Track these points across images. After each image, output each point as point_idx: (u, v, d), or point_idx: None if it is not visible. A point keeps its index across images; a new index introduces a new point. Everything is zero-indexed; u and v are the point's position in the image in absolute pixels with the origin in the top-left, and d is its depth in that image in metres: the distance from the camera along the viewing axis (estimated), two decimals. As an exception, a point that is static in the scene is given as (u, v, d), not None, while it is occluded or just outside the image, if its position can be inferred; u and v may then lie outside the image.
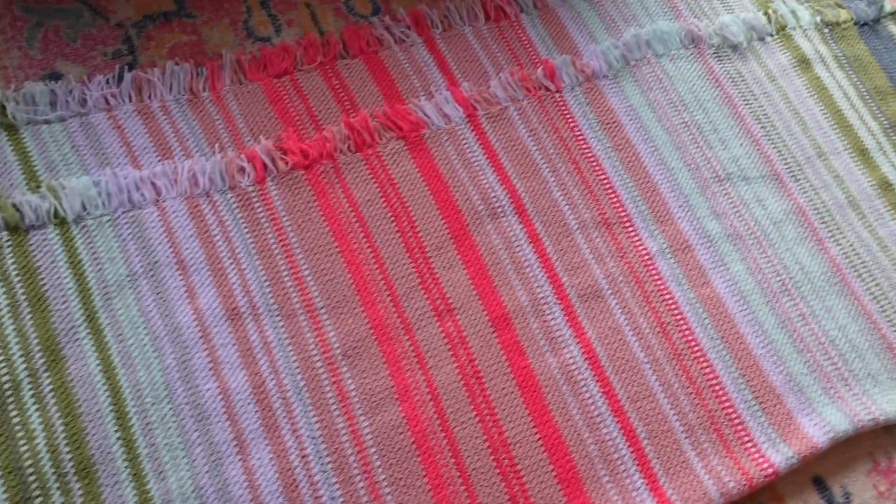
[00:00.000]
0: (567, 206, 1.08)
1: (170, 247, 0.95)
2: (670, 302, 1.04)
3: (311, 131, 1.06)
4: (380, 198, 1.03)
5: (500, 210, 1.06)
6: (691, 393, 0.99)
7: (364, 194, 1.03)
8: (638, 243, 1.08)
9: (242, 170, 1.00)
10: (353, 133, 1.05)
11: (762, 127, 1.23)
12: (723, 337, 1.03)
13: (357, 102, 1.09)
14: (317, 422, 0.90)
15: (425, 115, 1.10)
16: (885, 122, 1.29)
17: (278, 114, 1.06)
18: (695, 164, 1.16)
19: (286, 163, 1.02)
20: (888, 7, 1.43)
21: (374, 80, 1.11)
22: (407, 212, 1.03)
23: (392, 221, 1.02)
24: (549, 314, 1.00)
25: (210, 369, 0.89)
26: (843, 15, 1.39)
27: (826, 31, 1.37)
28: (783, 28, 1.34)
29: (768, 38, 1.33)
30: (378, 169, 1.05)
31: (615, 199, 1.10)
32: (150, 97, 1.04)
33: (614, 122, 1.17)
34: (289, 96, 1.08)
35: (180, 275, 0.94)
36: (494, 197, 1.06)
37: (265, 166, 1.01)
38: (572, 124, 1.15)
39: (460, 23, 1.20)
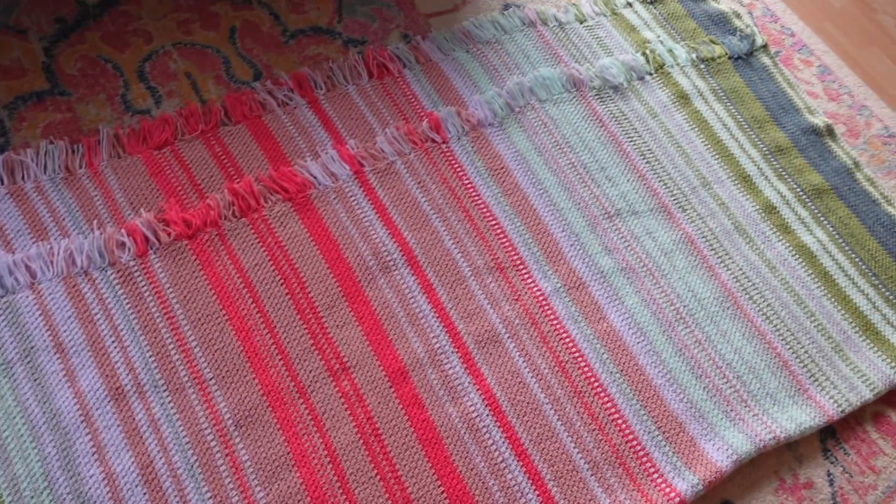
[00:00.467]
0: (459, 254, 1.08)
1: (47, 330, 0.91)
2: (567, 340, 1.05)
3: (195, 200, 1.04)
4: (268, 261, 1.02)
5: (391, 264, 1.05)
6: (594, 429, 0.99)
7: (251, 259, 1.01)
8: (532, 285, 1.08)
9: (123, 245, 0.98)
10: (237, 199, 1.04)
11: (647, 162, 1.26)
12: (622, 370, 1.04)
13: (241, 168, 1.09)
14: (210, 497, 0.86)
15: (311, 175, 1.10)
16: (765, 149, 1.34)
17: (160, 185, 1.05)
18: (584, 203, 1.18)
19: (169, 234, 1.00)
20: (759, 41, 1.50)
21: (258, 145, 1.11)
22: (296, 273, 1.02)
23: (281, 284, 1.00)
24: (446, 363, 1.00)
25: (93, 454, 0.86)
26: (718, 50, 1.46)
27: (702, 66, 1.43)
28: (661, 67, 1.40)
29: (647, 77, 1.38)
30: (265, 233, 1.04)
31: (507, 244, 1.11)
32: (23, 178, 1.02)
33: (502, 168, 1.19)
34: (170, 167, 1.06)
35: (59, 358, 0.90)
36: (386, 251, 1.06)
37: (146, 239, 0.99)
38: (460, 173, 1.16)
39: (344, 82, 1.21)
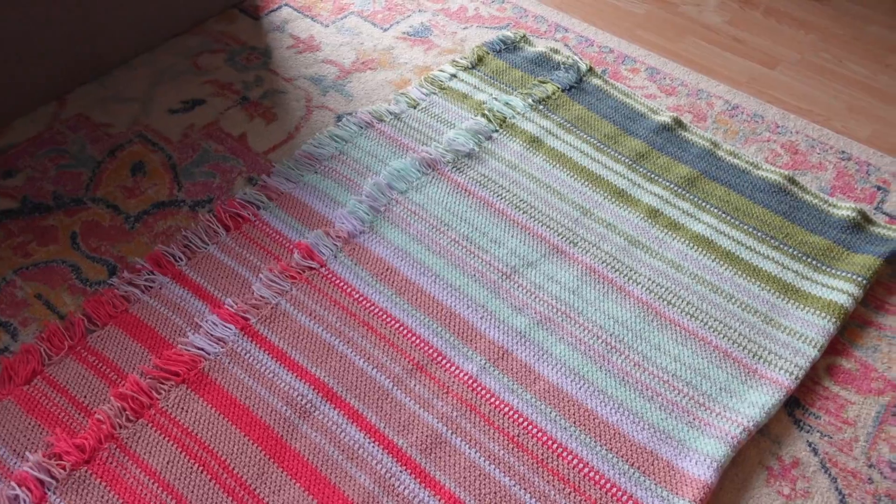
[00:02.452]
0: (374, 370, 1.03)
1: None
2: (512, 413, 1.00)
3: (83, 421, 0.96)
4: (180, 454, 0.94)
5: (309, 406, 0.99)
6: (570, 492, 0.93)
7: (162, 459, 0.93)
8: (457, 372, 1.04)
9: (16, 497, 0.89)
10: (127, 402, 0.97)
11: (524, 212, 1.26)
12: (575, 422, 1.00)
13: (123, 369, 1.02)
14: None
15: (198, 348, 1.04)
16: (627, 160, 1.36)
17: (40, 420, 0.96)
18: (478, 273, 1.16)
19: (64, 467, 0.91)
20: (584, 66, 1.54)
21: (133, 340, 1.05)
22: (214, 454, 0.94)
23: (202, 472, 0.93)
24: (400, 486, 0.93)
25: None
26: (550, 88, 1.49)
27: (542, 107, 1.45)
28: (504, 121, 1.42)
29: (495, 135, 1.39)
30: (168, 425, 0.96)
31: (418, 342, 1.07)
32: None
33: (387, 269, 1.15)
34: (46, 396, 0.98)
35: None
36: (299, 396, 1.00)
37: (42, 482, 0.90)
38: (349, 290, 1.12)
39: (203, 245, 1.17)
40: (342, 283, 1.13)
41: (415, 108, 1.44)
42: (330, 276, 1.14)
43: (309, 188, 1.28)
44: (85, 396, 0.99)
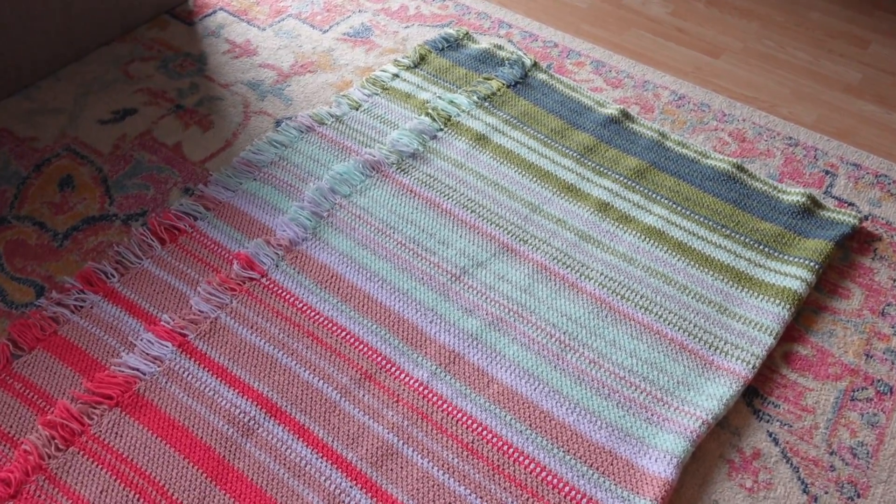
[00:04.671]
0: (321, 381, 0.99)
1: None
2: (465, 419, 0.96)
3: (10, 452, 0.90)
4: (114, 482, 0.88)
5: (252, 423, 0.94)
6: (528, 498, 0.90)
7: (95, 488, 0.88)
8: (407, 379, 1.00)
9: (-65, 540, 0.83)
10: (56, 430, 0.91)
11: (472, 211, 1.22)
12: (530, 425, 0.96)
13: (52, 395, 0.96)
14: None
15: (133, 369, 0.98)
16: (575, 154, 1.34)
17: (-39, 454, 0.90)
18: (426, 276, 1.12)
19: (-13, 504, 0.85)
20: (528, 62, 1.52)
21: (63, 363, 0.99)
22: (151, 480, 0.89)
23: (138, 499, 0.87)
24: (350, 502, 0.89)
25: None
26: (495, 85, 1.46)
27: (487, 104, 1.42)
28: (449, 119, 1.38)
29: (440, 134, 1.35)
30: (100, 452, 0.91)
31: (366, 349, 1.03)
32: None
33: (332, 276, 1.11)
34: (-33, 428, 0.92)
35: None
36: (241, 413, 0.95)
37: (-37, 521, 0.84)
38: (292, 300, 1.08)
39: (137, 260, 1.11)
40: (285, 293, 1.08)
41: (357, 109, 1.40)
42: (272, 286, 1.09)
43: (248, 196, 1.23)
44: (10, 426, 0.93)
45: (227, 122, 1.36)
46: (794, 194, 1.28)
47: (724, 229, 1.23)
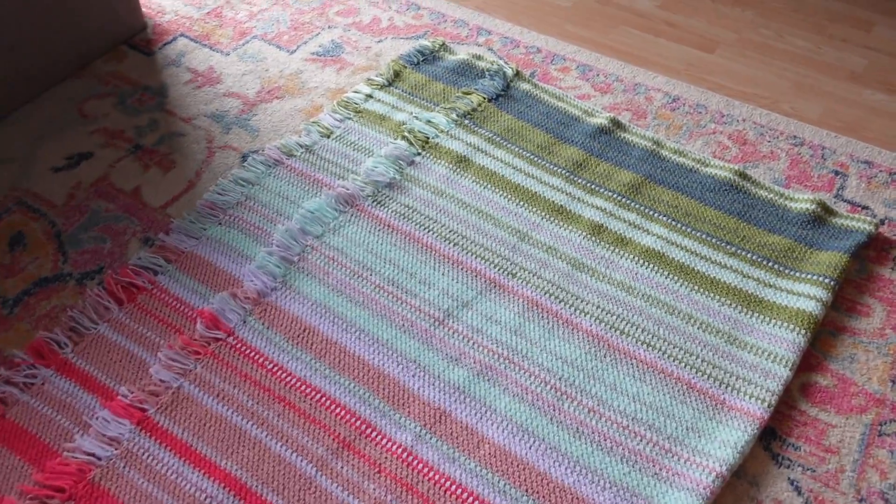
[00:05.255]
0: (294, 454, 0.90)
1: None
2: (454, 488, 0.87)
3: (-46, 559, 0.82)
4: (69, 588, 0.80)
5: (220, 508, 0.86)
6: (528, 578, 0.81)
7: None
8: (390, 445, 0.91)
9: None
10: (3, 531, 0.83)
11: (455, 244, 1.13)
12: (526, 489, 0.87)
13: (-1, 489, 0.87)
14: None
15: (87, 454, 0.90)
16: (564, 172, 1.24)
17: None
18: (407, 322, 1.03)
19: None
20: (510, 71, 1.42)
21: (10, 451, 0.90)
22: (109, 583, 0.80)
23: None
24: None
25: None
26: (475, 99, 1.36)
27: (467, 122, 1.33)
28: (427, 142, 1.29)
29: (417, 159, 1.26)
30: (53, 554, 0.82)
31: (344, 413, 0.94)
32: None
33: (304, 329, 1.02)
34: None
35: None
36: (207, 498, 0.87)
37: None
38: (261, 359, 0.99)
39: (92, 325, 1.03)
40: (253, 353, 0.99)
41: (328, 137, 1.31)
42: (239, 345, 1.00)
43: (213, 243, 1.14)
44: (-46, 530, 0.84)
45: (190, 161, 1.27)
46: (802, 201, 1.18)
47: (729, 246, 1.13)
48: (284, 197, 1.20)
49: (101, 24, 1.43)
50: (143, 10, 1.56)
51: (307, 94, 1.40)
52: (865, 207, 1.21)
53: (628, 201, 1.20)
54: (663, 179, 1.23)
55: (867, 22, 1.59)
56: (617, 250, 1.12)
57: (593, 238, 1.14)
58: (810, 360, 1.01)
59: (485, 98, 1.37)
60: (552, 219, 1.17)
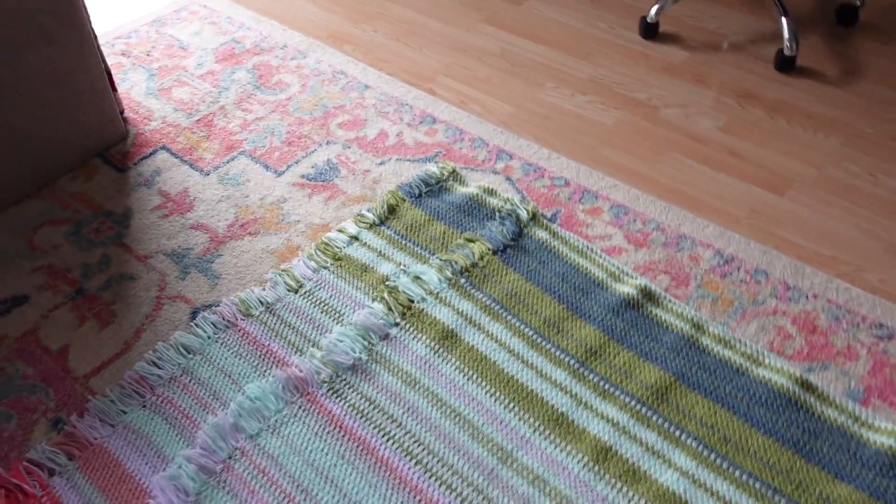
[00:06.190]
0: None
1: None
2: None
3: None
4: None
5: None
6: None
7: None
8: None
9: None
10: None
11: (417, 462, 0.89)
12: None
13: None
14: None
15: None
16: (573, 362, 0.99)
17: None
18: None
19: None
20: (525, 214, 1.18)
21: None
22: None
23: None
24: None
25: None
26: (477, 250, 1.13)
27: (463, 281, 1.09)
28: (410, 308, 1.06)
29: (394, 330, 1.03)
30: None
31: None
32: None
33: (204, 582, 0.80)
34: None
35: None
36: None
37: None
38: None
39: (-43, 548, 0.83)
40: None
41: (296, 292, 1.10)
42: None
43: (129, 434, 0.93)
44: None
45: (132, 314, 1.08)
46: (884, 433, 0.89)
47: (779, 497, 0.85)
48: (227, 374, 0.99)
49: (72, 138, 1.27)
50: (131, 115, 1.40)
51: (285, 231, 1.19)
52: (973, 444, 0.90)
53: (650, 412, 0.93)
54: (699, 382, 0.96)
55: None
56: (625, 489, 0.86)
57: (597, 467, 0.88)
58: None
59: (489, 249, 1.13)
60: (548, 433, 0.92)
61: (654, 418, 0.93)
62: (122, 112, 1.40)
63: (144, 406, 0.97)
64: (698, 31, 1.63)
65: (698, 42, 1.59)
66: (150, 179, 1.29)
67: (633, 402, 0.94)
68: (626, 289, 1.07)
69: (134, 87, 1.49)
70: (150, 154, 1.34)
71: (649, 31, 1.62)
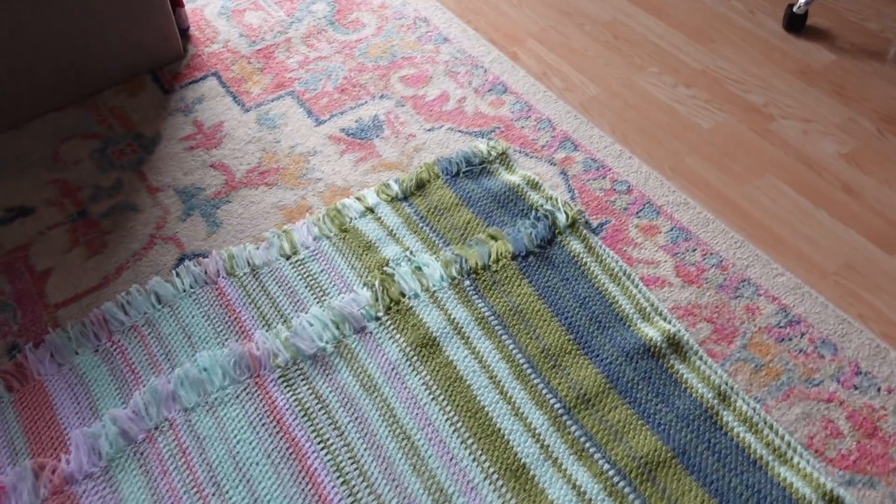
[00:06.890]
0: None
1: None
2: None
3: None
4: None
5: None
6: None
7: None
8: None
9: None
10: None
11: (345, 483, 0.79)
12: None
13: None
14: None
15: None
16: (558, 406, 0.84)
17: None
18: None
19: None
20: (564, 218, 1.02)
21: None
22: None
23: None
24: None
25: None
26: (496, 250, 0.99)
27: (467, 284, 0.96)
28: (398, 302, 0.94)
29: (372, 325, 0.92)
30: None
31: None
32: None
33: (79, 560, 0.74)
34: None
35: None
36: None
37: None
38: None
39: None
40: (5, 573, 0.73)
41: (288, 258, 1.00)
42: (-4, 554, 0.74)
43: (72, 378, 0.89)
44: None
45: (122, 248, 1.03)
46: None
47: None
48: (187, 333, 0.92)
49: (123, 51, 1.23)
50: (195, 34, 1.34)
51: (302, 188, 1.10)
52: None
53: (628, 490, 0.77)
54: (701, 466, 0.79)
55: None
56: (567, 577, 0.71)
57: (540, 543, 0.74)
58: None
59: (510, 252, 0.98)
60: (500, 484, 0.78)
61: (632, 498, 0.77)
62: (186, 29, 1.34)
63: (97, 351, 0.91)
64: (856, 30, 1.35)
65: (852, 44, 1.32)
66: (190, 106, 1.23)
67: (611, 472, 0.78)
68: (652, 332, 0.90)
69: (209, 5, 1.42)
70: (200, 79, 1.28)
71: (794, 22, 1.37)
